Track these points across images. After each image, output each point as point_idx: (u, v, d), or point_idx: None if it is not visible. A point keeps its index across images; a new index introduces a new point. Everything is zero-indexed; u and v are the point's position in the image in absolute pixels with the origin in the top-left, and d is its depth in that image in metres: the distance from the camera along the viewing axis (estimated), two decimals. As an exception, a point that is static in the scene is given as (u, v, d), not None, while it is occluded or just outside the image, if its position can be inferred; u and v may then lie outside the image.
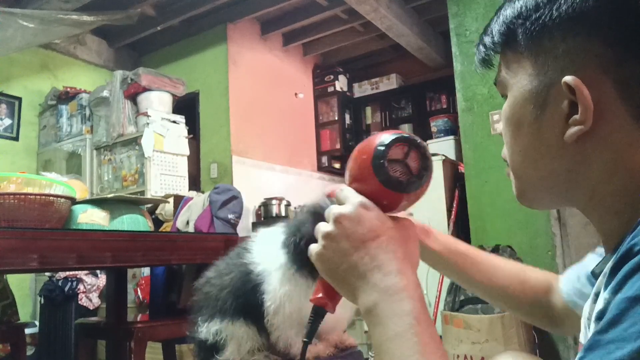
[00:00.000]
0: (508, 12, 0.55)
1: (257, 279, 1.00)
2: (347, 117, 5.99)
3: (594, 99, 0.47)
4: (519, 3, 0.53)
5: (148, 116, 3.88)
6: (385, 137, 0.58)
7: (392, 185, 0.58)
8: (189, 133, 4.18)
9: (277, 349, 1.03)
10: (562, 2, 0.49)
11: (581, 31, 0.48)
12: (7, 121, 4.38)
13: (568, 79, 0.48)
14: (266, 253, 1.03)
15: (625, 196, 0.49)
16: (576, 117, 0.48)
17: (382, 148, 0.58)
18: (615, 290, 0.40)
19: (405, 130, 5.63)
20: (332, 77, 5.90)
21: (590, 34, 0.48)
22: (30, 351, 3.52)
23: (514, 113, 0.55)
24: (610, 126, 0.48)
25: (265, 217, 4.55)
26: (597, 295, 0.49)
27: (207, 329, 1.05)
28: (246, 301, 1.02)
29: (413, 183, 0.58)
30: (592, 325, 0.44)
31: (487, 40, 0.58)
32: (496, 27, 0.56)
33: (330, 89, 5.89)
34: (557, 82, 0.50)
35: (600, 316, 0.41)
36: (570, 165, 0.51)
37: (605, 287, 0.43)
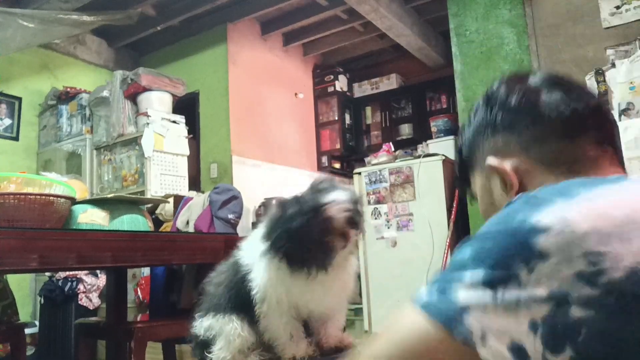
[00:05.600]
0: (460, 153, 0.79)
1: (245, 271, 1.07)
2: (347, 117, 5.99)
3: (513, 165, 0.67)
4: (460, 144, 0.79)
5: (148, 116, 3.88)
6: None
7: None
8: (189, 133, 4.17)
9: (266, 337, 1.06)
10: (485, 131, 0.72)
11: (492, 133, 0.71)
12: (7, 121, 4.38)
13: (489, 160, 0.70)
14: (252, 248, 1.10)
15: None
16: (507, 183, 0.68)
17: None
18: None
19: (405, 130, 5.64)
20: (332, 77, 5.90)
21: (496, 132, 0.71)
22: (30, 351, 3.52)
23: (484, 210, 0.75)
24: (529, 176, 0.67)
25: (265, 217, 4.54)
26: None
27: (200, 324, 1.09)
28: (237, 294, 1.06)
29: None
30: None
31: (456, 168, 0.83)
32: (456, 167, 0.82)
33: (330, 89, 5.89)
34: (487, 169, 0.71)
35: None
36: None
37: None
